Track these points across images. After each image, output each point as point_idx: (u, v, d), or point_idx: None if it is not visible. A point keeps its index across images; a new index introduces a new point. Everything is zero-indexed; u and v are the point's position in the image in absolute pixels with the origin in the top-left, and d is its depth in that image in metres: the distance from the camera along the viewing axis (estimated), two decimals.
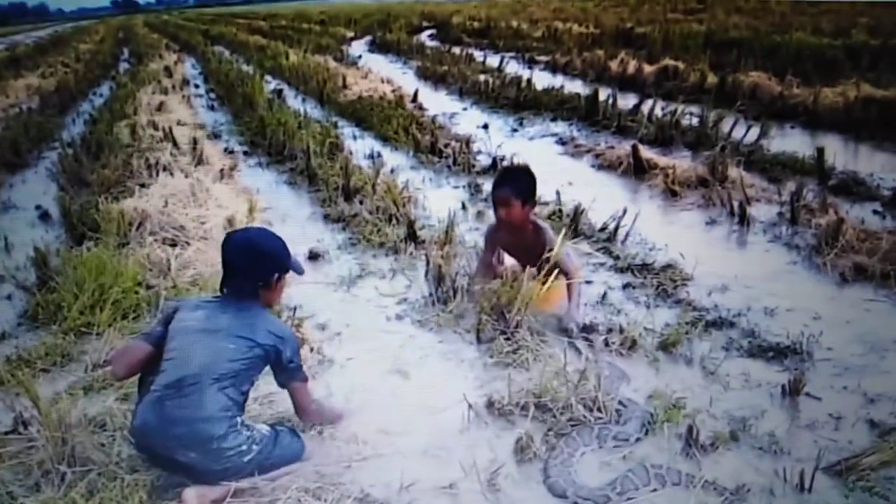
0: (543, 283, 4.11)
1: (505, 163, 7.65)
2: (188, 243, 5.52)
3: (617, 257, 5.24)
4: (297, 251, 5.44)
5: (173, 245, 5.51)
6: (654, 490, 2.97)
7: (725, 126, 8.72)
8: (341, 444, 3.25)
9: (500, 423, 3.38)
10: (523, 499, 2.93)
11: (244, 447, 2.91)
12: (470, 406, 3.43)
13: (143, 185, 6.82)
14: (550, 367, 3.63)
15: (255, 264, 3.12)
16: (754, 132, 8.49)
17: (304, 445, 3.13)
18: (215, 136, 10.49)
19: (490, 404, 3.47)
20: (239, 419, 2.95)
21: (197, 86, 16.61)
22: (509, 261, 4.74)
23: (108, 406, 3.53)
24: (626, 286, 4.82)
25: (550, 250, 4.14)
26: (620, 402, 3.42)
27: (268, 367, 3.09)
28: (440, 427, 3.34)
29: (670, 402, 3.43)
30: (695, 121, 9.12)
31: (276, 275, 3.17)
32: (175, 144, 8.87)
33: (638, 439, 3.25)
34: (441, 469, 3.07)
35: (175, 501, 2.89)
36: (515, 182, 4.37)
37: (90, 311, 4.58)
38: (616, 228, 5.65)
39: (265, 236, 3.28)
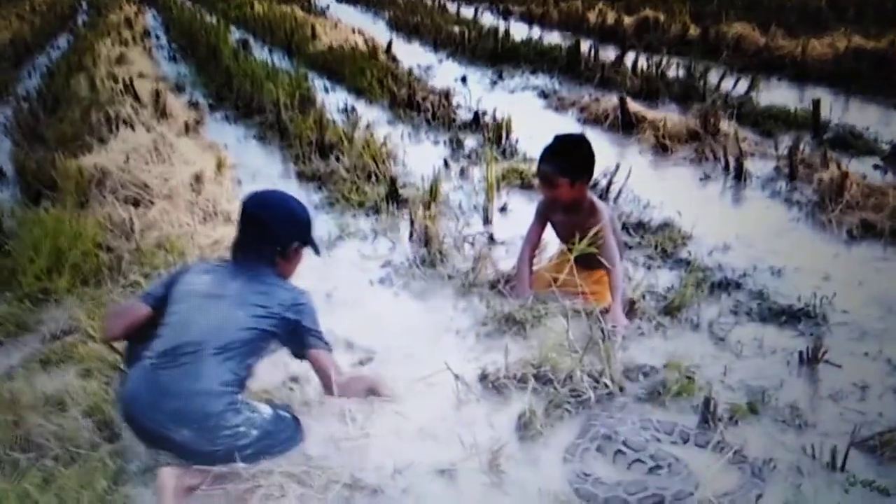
0: (564, 262, 3.71)
1: (487, 117, 7.35)
2: (152, 202, 5.17)
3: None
4: None
5: (136, 204, 5.15)
6: (674, 443, 2.82)
7: (713, 78, 8.47)
8: (329, 423, 2.98)
9: (497, 398, 3.12)
10: (527, 480, 2.68)
11: (242, 429, 2.62)
12: (457, 377, 3.14)
13: (102, 141, 6.42)
14: (551, 336, 3.37)
15: (278, 225, 2.88)
16: (743, 85, 8.26)
17: (303, 438, 2.84)
18: (178, 88, 10.03)
19: (484, 377, 3.20)
20: (240, 397, 2.67)
21: (158, 37, 16.01)
22: None
23: (67, 382, 3.22)
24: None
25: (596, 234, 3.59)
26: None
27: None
28: (435, 403, 3.07)
29: (684, 372, 3.18)
30: (681, 73, 8.85)
31: (296, 244, 2.95)
32: (136, 97, 8.43)
33: None
34: (437, 450, 2.81)
35: (140, 488, 2.63)
36: (562, 157, 3.69)
37: (47, 276, 4.25)
38: (608, 186, 5.39)
39: (293, 198, 3.04)
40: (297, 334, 2.84)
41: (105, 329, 2.95)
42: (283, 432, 2.77)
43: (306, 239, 2.99)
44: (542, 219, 3.98)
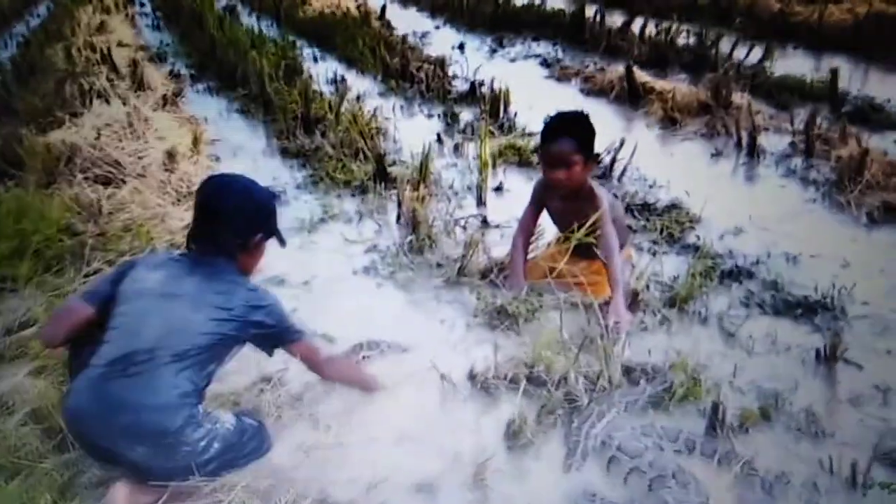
0: (562, 250, 3.55)
1: (485, 88, 7.11)
2: (124, 181, 4.96)
3: (614, 196, 4.75)
4: None
5: (107, 183, 4.95)
6: (678, 452, 2.63)
7: (725, 46, 8.23)
8: (300, 430, 2.80)
9: (486, 400, 2.93)
10: (514, 496, 2.50)
11: (203, 443, 2.43)
12: (443, 377, 2.99)
13: (75, 115, 6.20)
14: (546, 332, 3.18)
15: (239, 215, 2.62)
16: (757, 53, 8.01)
17: (270, 447, 2.67)
18: (160, 58, 9.76)
19: (472, 376, 3.02)
20: (200, 408, 2.46)
21: (142, 4, 15.70)
22: None
23: (17, 382, 3.02)
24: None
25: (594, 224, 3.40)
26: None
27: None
28: (417, 405, 2.89)
29: (690, 373, 2.99)
30: (691, 40, 8.61)
31: (260, 235, 2.70)
32: (114, 68, 8.18)
33: None
34: (418, 460, 2.63)
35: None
36: (577, 132, 3.42)
37: (7, 263, 4.05)
38: (612, 163, 5.18)
39: (256, 185, 2.77)
40: (269, 337, 2.65)
41: (45, 335, 2.72)
42: (249, 443, 2.59)
43: (271, 230, 2.76)
44: (538, 204, 3.76)
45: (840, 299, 3.55)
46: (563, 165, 3.43)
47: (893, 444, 2.60)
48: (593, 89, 7.52)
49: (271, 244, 2.82)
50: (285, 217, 4.61)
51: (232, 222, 2.63)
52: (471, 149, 5.77)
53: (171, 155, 5.07)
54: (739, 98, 6.38)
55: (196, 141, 5.49)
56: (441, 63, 8.28)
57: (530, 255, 3.85)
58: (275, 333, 2.64)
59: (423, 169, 4.79)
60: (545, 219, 3.84)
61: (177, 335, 2.43)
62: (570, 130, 3.43)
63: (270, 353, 2.74)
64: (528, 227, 3.78)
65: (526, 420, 2.72)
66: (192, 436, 2.40)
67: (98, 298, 2.60)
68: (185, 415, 2.39)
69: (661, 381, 2.94)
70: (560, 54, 9.23)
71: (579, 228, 3.41)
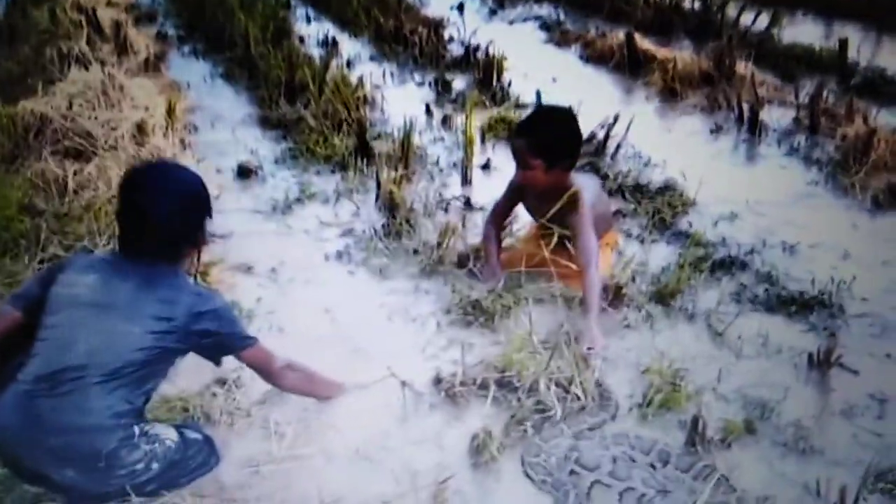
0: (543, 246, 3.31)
1: (480, 53, 6.84)
2: (95, 153, 4.75)
3: (605, 176, 4.53)
4: (225, 165, 4.81)
5: (77, 157, 4.74)
6: (652, 466, 2.45)
7: (731, 11, 7.95)
8: (252, 441, 2.62)
9: (452, 409, 2.75)
10: None
11: (140, 466, 2.24)
12: (404, 384, 2.81)
13: (50, 82, 5.97)
14: (520, 333, 3.00)
15: (188, 213, 2.36)
16: (764, 19, 7.71)
17: (218, 460, 2.48)
18: (149, 18, 9.51)
19: (439, 380, 2.84)
20: (136, 428, 2.26)
21: None
22: None
23: None
24: (614, 214, 4.12)
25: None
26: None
27: None
28: (378, 415, 2.72)
29: (669, 378, 2.81)
30: (696, 4, 8.32)
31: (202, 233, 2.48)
32: (98, 30, 7.89)
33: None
34: (373, 478, 2.45)
35: None
36: (538, 134, 3.22)
37: None
38: (605, 139, 4.95)
39: (195, 176, 2.48)
40: (215, 345, 2.42)
41: None
42: (193, 459, 2.41)
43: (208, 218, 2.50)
44: (512, 198, 3.58)
45: (838, 295, 3.36)
46: (520, 163, 3.28)
47: (888, 464, 2.41)
48: (593, 56, 7.31)
49: None
50: (260, 198, 4.46)
51: (183, 225, 2.36)
52: (460, 121, 5.52)
53: (140, 127, 4.84)
54: (743, 68, 6.14)
55: (170, 110, 5.24)
56: (437, 25, 8.02)
57: (509, 240, 3.69)
58: (222, 341, 2.43)
59: (406, 146, 4.57)
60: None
61: (109, 351, 2.21)
62: (533, 128, 3.26)
63: (218, 363, 2.54)
64: (499, 221, 3.62)
65: (491, 435, 2.53)
66: (128, 458, 2.22)
67: (26, 302, 2.40)
68: (118, 437, 2.20)
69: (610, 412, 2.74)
70: (562, 16, 8.96)
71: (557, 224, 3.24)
